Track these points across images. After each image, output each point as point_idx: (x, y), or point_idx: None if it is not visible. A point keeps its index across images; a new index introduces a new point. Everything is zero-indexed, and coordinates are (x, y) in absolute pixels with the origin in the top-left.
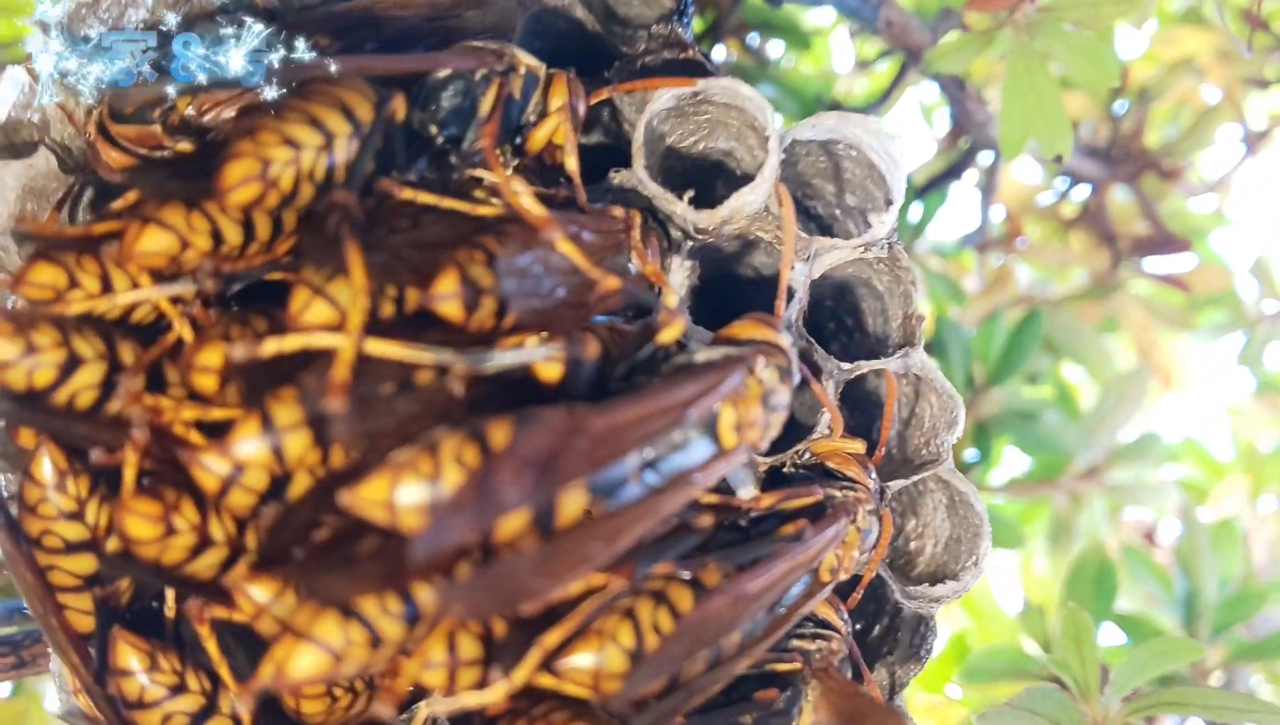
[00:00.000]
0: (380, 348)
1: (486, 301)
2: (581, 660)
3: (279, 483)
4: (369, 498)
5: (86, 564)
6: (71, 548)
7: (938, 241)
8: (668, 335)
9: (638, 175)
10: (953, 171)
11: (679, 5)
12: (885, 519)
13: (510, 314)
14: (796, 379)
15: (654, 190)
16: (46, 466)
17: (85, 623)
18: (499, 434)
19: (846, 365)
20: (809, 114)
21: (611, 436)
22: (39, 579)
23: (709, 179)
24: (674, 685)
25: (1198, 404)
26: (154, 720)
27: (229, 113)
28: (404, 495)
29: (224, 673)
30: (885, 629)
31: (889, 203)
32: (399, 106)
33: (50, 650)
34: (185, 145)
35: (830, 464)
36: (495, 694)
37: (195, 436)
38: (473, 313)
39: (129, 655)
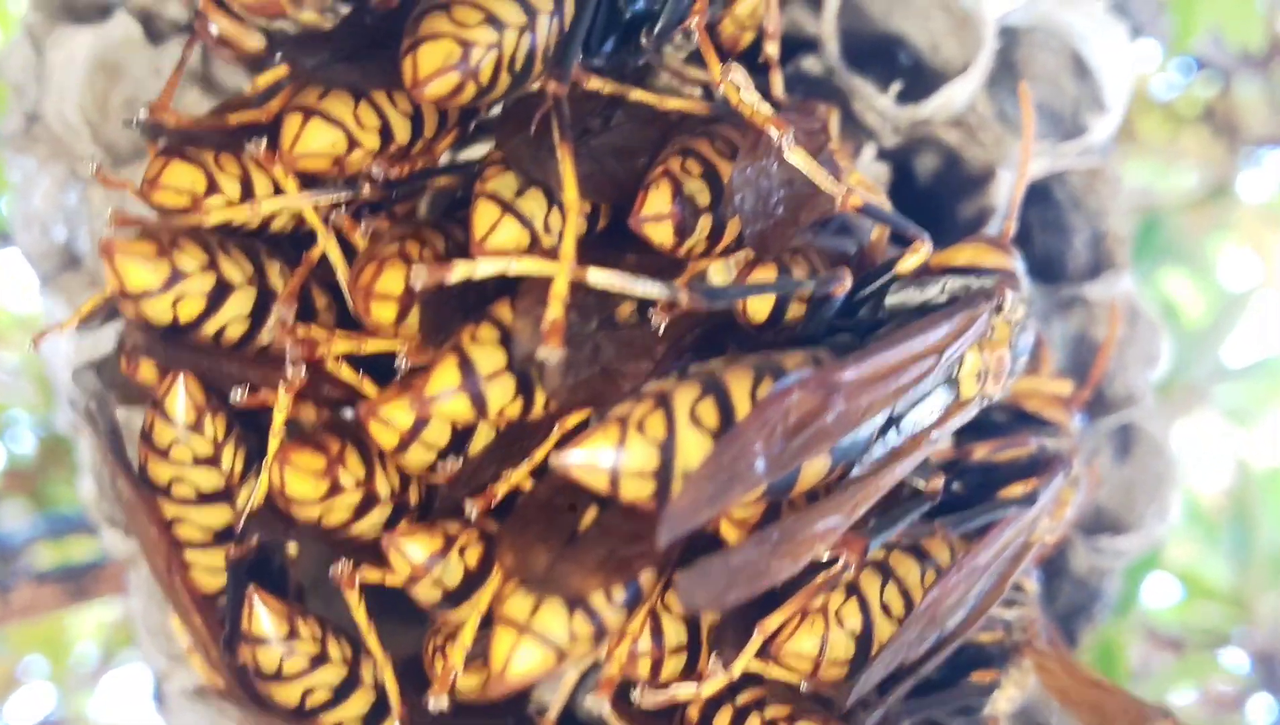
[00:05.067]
0: (597, 278)
1: (703, 224)
2: (804, 645)
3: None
4: (589, 463)
5: (219, 517)
6: (205, 498)
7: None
8: (911, 262)
9: (833, 62)
10: None
11: None
12: (1092, 473)
13: (725, 239)
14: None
15: (852, 81)
16: (182, 402)
17: (211, 582)
18: (740, 390)
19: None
20: None
21: (866, 393)
22: (164, 533)
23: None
24: (897, 672)
25: None
26: (293, 695)
27: None
28: (631, 460)
29: (372, 642)
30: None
31: (1103, 105)
32: None
33: (136, 589)
34: (311, 15)
35: (1028, 407)
36: (713, 686)
37: (348, 373)
38: (684, 239)
39: (267, 620)
